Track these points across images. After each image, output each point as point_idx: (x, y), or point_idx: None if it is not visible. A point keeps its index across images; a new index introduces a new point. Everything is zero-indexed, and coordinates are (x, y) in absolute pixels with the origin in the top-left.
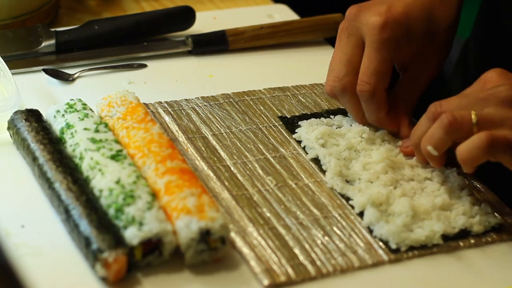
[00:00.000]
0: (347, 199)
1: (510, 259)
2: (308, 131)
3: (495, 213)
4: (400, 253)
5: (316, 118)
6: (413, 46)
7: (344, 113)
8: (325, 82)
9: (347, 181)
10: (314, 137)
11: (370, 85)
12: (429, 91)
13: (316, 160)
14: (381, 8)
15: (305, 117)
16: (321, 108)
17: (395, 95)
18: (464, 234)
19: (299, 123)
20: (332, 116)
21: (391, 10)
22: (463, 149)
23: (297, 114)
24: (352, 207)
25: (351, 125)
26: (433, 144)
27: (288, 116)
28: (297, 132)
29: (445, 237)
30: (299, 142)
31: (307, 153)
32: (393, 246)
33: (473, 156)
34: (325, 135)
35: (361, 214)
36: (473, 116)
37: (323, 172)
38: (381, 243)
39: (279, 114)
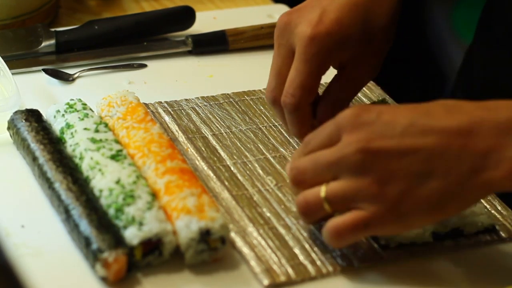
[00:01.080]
0: None
1: (506, 260)
2: None
3: (493, 212)
4: (389, 249)
5: None
6: (348, 52)
7: None
8: None
9: None
10: None
11: (294, 98)
12: (431, 96)
13: None
14: (312, 16)
15: None
16: None
17: (328, 95)
18: (456, 233)
19: None
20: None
21: (323, 19)
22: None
23: None
24: None
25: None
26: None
27: None
28: None
29: (436, 236)
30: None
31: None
32: (382, 241)
33: (329, 240)
34: None
35: None
36: (322, 194)
37: None
38: (371, 240)
39: None
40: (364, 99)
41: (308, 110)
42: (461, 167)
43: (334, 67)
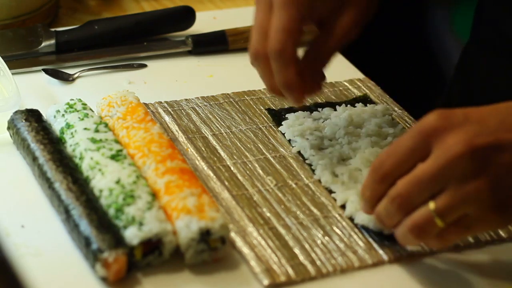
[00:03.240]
0: (330, 191)
1: (506, 260)
2: (293, 124)
3: None
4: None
5: (303, 111)
6: (328, 2)
7: (332, 106)
8: None
9: (334, 174)
10: (298, 130)
11: (279, 43)
12: (431, 96)
13: (301, 153)
14: None
15: (293, 110)
16: None
17: (309, 54)
18: None
19: (286, 115)
20: (320, 109)
21: None
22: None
23: (285, 106)
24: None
25: (338, 119)
26: (404, 243)
27: (276, 109)
28: (282, 125)
29: None
30: (283, 134)
31: (292, 146)
32: (376, 229)
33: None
34: (310, 128)
35: (344, 207)
36: (433, 212)
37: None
38: (360, 235)
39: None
40: (355, 90)
41: (292, 53)
42: None
43: (316, 27)
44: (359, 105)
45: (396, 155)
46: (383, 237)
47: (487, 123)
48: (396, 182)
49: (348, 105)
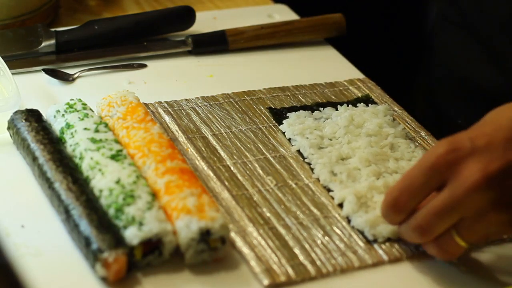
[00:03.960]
0: (328, 190)
1: (506, 260)
2: (294, 123)
3: None
4: (377, 243)
5: (305, 110)
6: None
7: (333, 106)
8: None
9: (333, 173)
10: (298, 129)
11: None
12: (409, 44)
13: (301, 152)
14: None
15: (294, 109)
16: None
17: None
18: None
19: (287, 114)
20: (321, 109)
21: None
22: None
23: (286, 106)
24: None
25: (339, 118)
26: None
27: (277, 108)
28: (283, 124)
29: None
30: (284, 133)
31: (292, 145)
32: (370, 237)
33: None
34: (311, 127)
35: (341, 206)
36: (460, 242)
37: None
38: (360, 236)
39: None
40: (355, 90)
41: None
42: None
43: None
44: (360, 105)
45: (409, 191)
46: (376, 242)
47: (495, 146)
48: (415, 210)
49: (350, 105)
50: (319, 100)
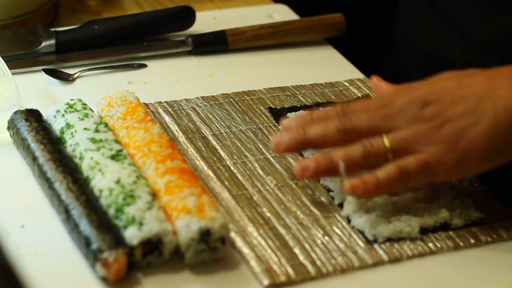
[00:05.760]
0: (329, 190)
1: (506, 260)
2: None
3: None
4: (377, 243)
5: (305, 110)
6: None
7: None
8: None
9: None
10: None
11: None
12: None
13: (301, 152)
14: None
15: (294, 109)
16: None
17: None
18: (443, 228)
19: (288, 114)
20: (321, 109)
21: None
22: (377, 182)
23: (286, 106)
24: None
25: None
26: (345, 162)
27: (277, 108)
28: None
29: (425, 231)
30: None
31: None
32: (370, 237)
33: (386, 187)
34: None
35: (342, 206)
36: (386, 143)
37: None
38: (360, 236)
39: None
40: (355, 90)
41: None
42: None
43: None
44: None
45: (366, 101)
46: (377, 242)
47: (444, 86)
48: None
49: None
50: (319, 100)
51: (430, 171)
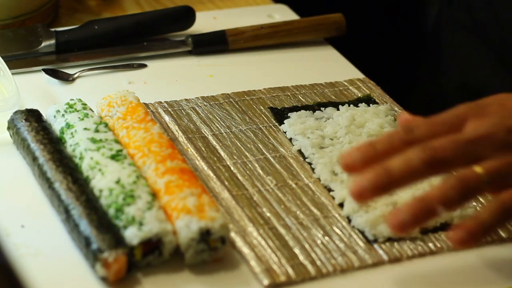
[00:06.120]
0: (329, 190)
1: (506, 260)
2: (295, 122)
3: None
4: (377, 243)
5: (306, 110)
6: None
7: (335, 106)
8: None
9: (333, 173)
10: (299, 129)
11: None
12: (409, 44)
13: (301, 152)
14: None
15: (296, 109)
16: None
17: None
18: (443, 228)
19: (289, 114)
20: (322, 109)
21: None
22: (482, 226)
23: (286, 106)
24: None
25: (340, 118)
26: (444, 204)
27: (278, 108)
28: (284, 123)
29: (425, 231)
30: (285, 133)
31: (293, 145)
32: (370, 237)
33: (491, 229)
34: (312, 127)
35: (342, 206)
36: (482, 174)
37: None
38: (360, 235)
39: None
40: (355, 90)
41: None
42: None
43: None
44: (362, 105)
45: (429, 125)
46: (377, 242)
47: None
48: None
49: (351, 105)
50: (319, 100)
51: None
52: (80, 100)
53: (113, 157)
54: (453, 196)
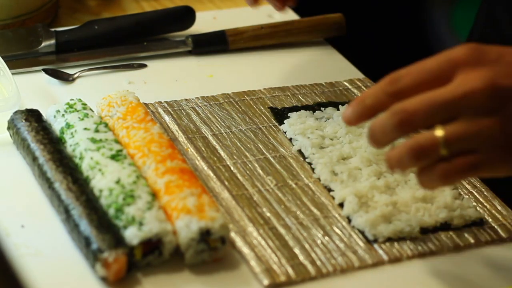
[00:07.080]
0: (329, 190)
1: (506, 260)
2: (295, 122)
3: (493, 211)
4: (377, 243)
5: (306, 110)
6: None
7: (335, 106)
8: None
9: (333, 173)
10: (299, 129)
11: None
12: (409, 44)
13: (301, 152)
14: None
15: (296, 109)
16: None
17: None
18: (443, 228)
19: (289, 114)
20: (322, 109)
21: None
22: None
23: (286, 106)
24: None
25: (340, 118)
26: (397, 166)
27: (278, 108)
28: (284, 123)
29: (425, 231)
30: (285, 133)
31: (293, 145)
32: (370, 237)
33: (433, 183)
34: (312, 127)
35: (342, 206)
36: (440, 137)
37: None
38: (360, 235)
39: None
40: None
41: None
42: None
43: None
44: None
45: (416, 74)
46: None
47: None
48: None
49: None
50: (319, 100)
51: (477, 172)
52: (80, 100)
53: (113, 157)
54: (405, 160)
